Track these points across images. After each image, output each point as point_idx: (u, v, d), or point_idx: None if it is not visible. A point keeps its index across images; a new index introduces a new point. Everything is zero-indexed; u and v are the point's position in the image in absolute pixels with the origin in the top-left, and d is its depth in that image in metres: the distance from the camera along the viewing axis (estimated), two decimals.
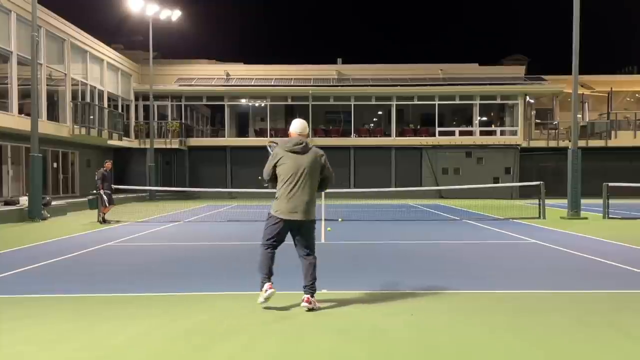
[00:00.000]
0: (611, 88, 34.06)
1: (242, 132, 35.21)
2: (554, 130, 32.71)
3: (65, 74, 23.85)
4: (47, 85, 22.50)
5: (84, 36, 25.60)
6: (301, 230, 5.58)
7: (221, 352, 4.41)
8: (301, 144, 5.57)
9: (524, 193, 29.31)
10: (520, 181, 29.89)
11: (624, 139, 32.02)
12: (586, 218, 16.57)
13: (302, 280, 5.61)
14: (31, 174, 16.76)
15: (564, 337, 4.75)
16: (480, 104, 32.74)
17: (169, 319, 5.34)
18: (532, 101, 33.67)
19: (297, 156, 5.53)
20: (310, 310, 5.49)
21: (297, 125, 5.75)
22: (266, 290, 5.53)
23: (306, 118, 32.19)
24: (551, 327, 5.01)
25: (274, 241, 5.62)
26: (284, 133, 33.48)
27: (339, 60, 35.83)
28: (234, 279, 7.44)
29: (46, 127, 21.32)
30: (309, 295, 5.53)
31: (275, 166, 5.60)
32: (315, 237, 5.69)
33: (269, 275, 5.58)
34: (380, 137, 33.12)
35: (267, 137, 32.50)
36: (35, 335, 4.85)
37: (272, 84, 32.86)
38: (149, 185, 27.78)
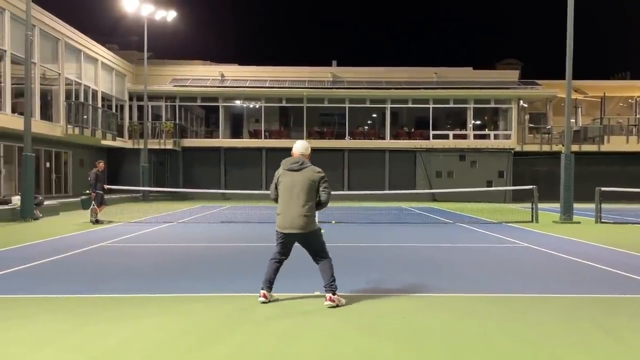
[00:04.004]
0: (604, 93, 34.26)
1: (236, 133, 35.15)
2: (547, 135, 32.80)
3: (59, 74, 23.75)
4: (41, 84, 22.38)
5: (79, 36, 25.50)
6: (305, 242, 6.00)
7: (216, 352, 4.41)
8: (297, 162, 5.96)
9: (517, 197, 29.40)
10: (513, 185, 29.95)
11: (616, 144, 32.19)
12: (579, 222, 16.65)
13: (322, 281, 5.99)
14: (24, 174, 16.67)
15: (554, 340, 4.78)
16: (474, 107, 32.85)
17: (163, 320, 5.33)
18: (525, 105, 33.81)
19: (293, 174, 5.92)
20: (333, 307, 5.77)
21: (298, 145, 6.16)
22: (259, 297, 5.99)
23: (300, 120, 32.32)
24: (542, 331, 5.04)
25: (281, 255, 6.06)
26: (278, 134, 33.57)
27: (334, 62, 35.89)
28: (229, 280, 7.43)
29: (39, 126, 21.22)
30: (330, 294, 5.86)
31: (277, 184, 6.01)
32: (322, 242, 6.04)
33: (269, 285, 6.00)
34: (374, 139, 33.17)
35: (261, 138, 32.53)
36: (26, 336, 4.83)
37: (267, 85, 32.84)
38: (142, 186, 27.67)
